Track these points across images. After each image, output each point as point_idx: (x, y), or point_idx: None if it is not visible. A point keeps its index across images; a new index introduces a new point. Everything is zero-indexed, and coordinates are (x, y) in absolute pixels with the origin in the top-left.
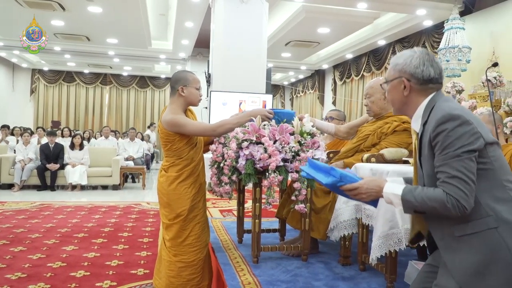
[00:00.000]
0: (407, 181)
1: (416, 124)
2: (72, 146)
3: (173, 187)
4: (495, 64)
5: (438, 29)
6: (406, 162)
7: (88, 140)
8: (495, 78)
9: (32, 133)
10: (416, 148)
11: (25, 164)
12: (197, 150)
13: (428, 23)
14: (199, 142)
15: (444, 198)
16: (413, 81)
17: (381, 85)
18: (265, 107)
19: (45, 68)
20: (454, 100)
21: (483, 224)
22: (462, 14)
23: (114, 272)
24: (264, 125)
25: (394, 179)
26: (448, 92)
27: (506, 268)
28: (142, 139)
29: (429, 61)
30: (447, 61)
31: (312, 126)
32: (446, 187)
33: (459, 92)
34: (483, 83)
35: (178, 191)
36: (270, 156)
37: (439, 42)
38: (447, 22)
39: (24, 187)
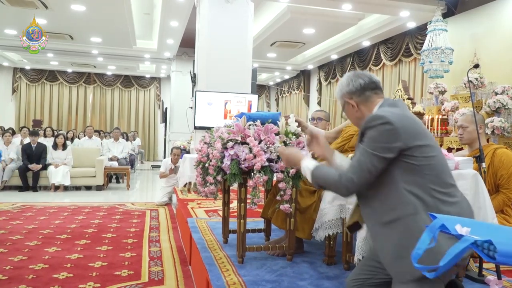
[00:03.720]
0: None
1: None
2: (55, 146)
3: None
4: (476, 66)
5: (421, 31)
6: None
7: (72, 140)
8: (476, 79)
9: (13, 132)
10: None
11: (6, 165)
12: None
13: (411, 24)
14: None
15: (337, 179)
16: (353, 97)
17: (342, 117)
18: (250, 108)
19: (27, 67)
20: (398, 104)
21: (403, 211)
22: (445, 16)
23: (97, 274)
24: (250, 125)
25: (339, 155)
26: (431, 93)
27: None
28: (127, 139)
29: (354, 76)
30: (430, 62)
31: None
32: (344, 172)
33: (442, 93)
34: (464, 84)
35: None
36: (255, 156)
37: (422, 43)
38: (430, 24)
39: (6, 187)
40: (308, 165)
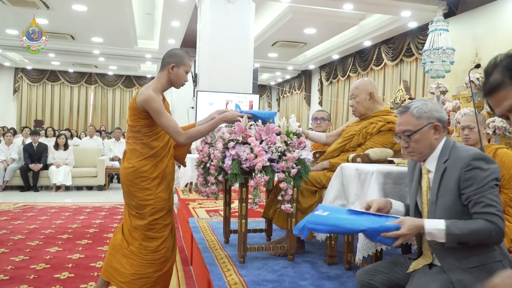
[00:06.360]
0: (406, 206)
1: (431, 164)
2: (57, 146)
3: None
4: (478, 66)
5: (422, 31)
6: (390, 162)
7: (71, 137)
8: (478, 79)
9: (15, 132)
10: (428, 185)
11: (8, 165)
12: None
13: (412, 24)
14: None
15: (489, 227)
16: (440, 124)
17: (400, 137)
18: (251, 108)
19: (29, 67)
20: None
21: (490, 257)
22: (446, 16)
23: (99, 274)
24: (251, 125)
25: (396, 202)
26: (432, 93)
27: None
28: None
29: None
30: (431, 62)
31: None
32: (488, 216)
33: (443, 93)
34: (466, 84)
35: None
36: (256, 156)
37: (424, 43)
38: (431, 23)
39: (7, 187)
40: (436, 226)
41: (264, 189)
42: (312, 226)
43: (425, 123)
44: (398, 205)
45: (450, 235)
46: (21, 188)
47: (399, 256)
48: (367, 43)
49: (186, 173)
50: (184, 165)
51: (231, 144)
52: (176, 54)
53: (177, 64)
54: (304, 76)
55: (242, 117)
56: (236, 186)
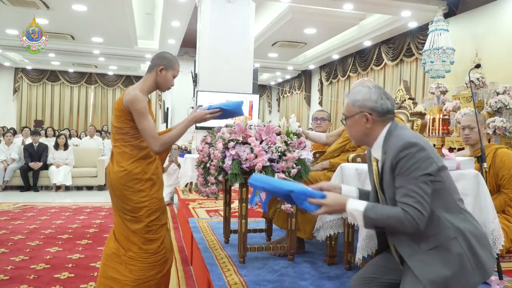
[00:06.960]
0: (361, 192)
1: (377, 152)
2: (57, 146)
3: None
4: (478, 66)
5: (422, 31)
6: None
7: (70, 137)
8: (478, 79)
9: (15, 132)
10: (377, 174)
11: (8, 165)
12: None
13: (413, 24)
14: None
15: (402, 216)
16: (374, 114)
17: (341, 121)
18: (251, 108)
19: (29, 67)
20: (408, 128)
21: (444, 236)
22: (446, 16)
23: (99, 274)
24: (251, 125)
25: (348, 187)
26: (433, 93)
27: (468, 275)
28: None
29: (384, 94)
30: (432, 62)
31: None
32: (404, 206)
33: (443, 93)
34: (466, 84)
35: None
36: (256, 156)
37: (424, 43)
38: (431, 23)
39: (7, 188)
40: (356, 207)
41: None
42: (252, 181)
43: (357, 111)
44: (348, 191)
45: (366, 217)
46: (21, 188)
47: (385, 253)
48: (367, 43)
49: (186, 173)
50: (164, 171)
51: (231, 144)
52: (166, 57)
53: (166, 67)
54: (304, 76)
55: (211, 113)
56: (236, 186)
